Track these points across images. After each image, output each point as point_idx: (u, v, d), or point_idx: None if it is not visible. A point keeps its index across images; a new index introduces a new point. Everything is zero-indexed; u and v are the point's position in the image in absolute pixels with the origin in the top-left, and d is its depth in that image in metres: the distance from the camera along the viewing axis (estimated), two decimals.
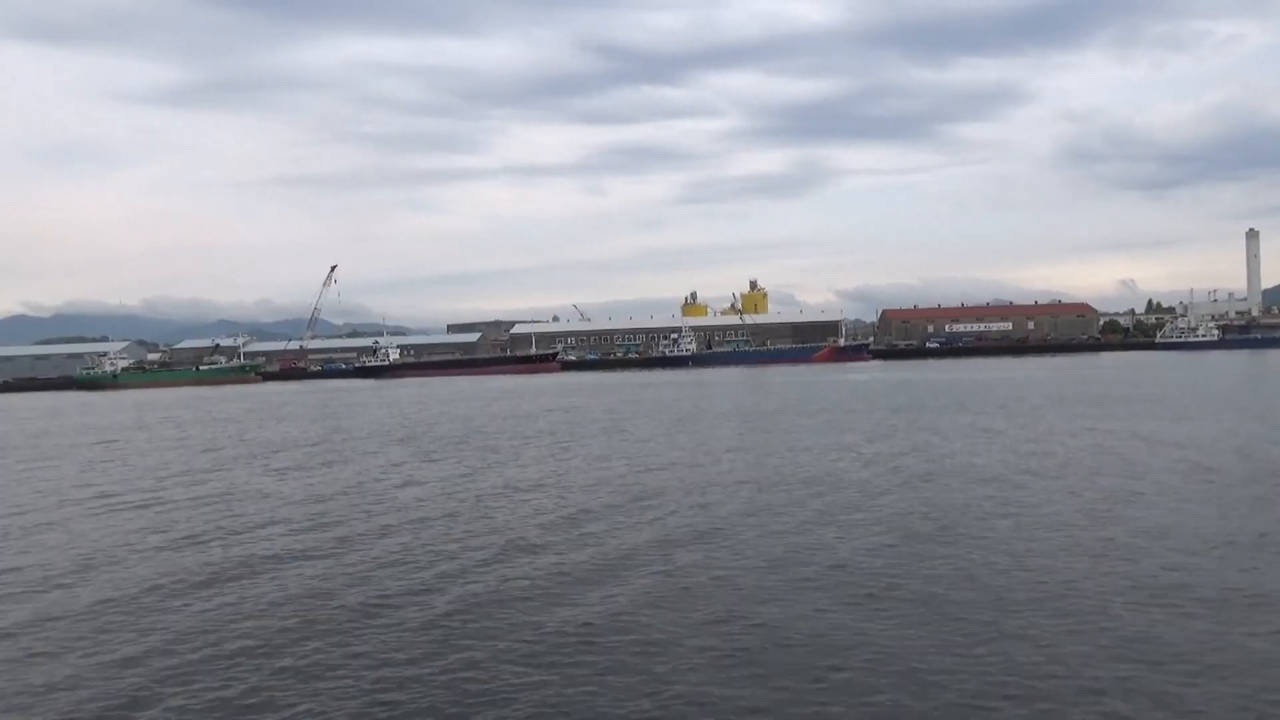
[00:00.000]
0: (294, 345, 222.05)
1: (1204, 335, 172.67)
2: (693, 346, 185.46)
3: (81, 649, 12.54)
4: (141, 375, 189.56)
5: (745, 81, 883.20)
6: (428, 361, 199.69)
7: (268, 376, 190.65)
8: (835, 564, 15.54)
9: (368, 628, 13.00)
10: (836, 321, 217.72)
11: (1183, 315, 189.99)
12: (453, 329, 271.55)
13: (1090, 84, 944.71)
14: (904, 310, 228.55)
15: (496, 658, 11.65)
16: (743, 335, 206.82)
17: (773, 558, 16.13)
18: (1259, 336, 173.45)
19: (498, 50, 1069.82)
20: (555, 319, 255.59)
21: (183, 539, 19.78)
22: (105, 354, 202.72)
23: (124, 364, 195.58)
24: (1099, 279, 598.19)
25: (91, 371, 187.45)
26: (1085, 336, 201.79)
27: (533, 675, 11.03)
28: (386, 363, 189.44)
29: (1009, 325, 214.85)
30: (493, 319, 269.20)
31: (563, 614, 13.26)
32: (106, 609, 14.38)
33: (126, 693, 10.96)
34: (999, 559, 15.46)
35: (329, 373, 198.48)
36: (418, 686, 10.84)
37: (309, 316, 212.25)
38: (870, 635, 11.94)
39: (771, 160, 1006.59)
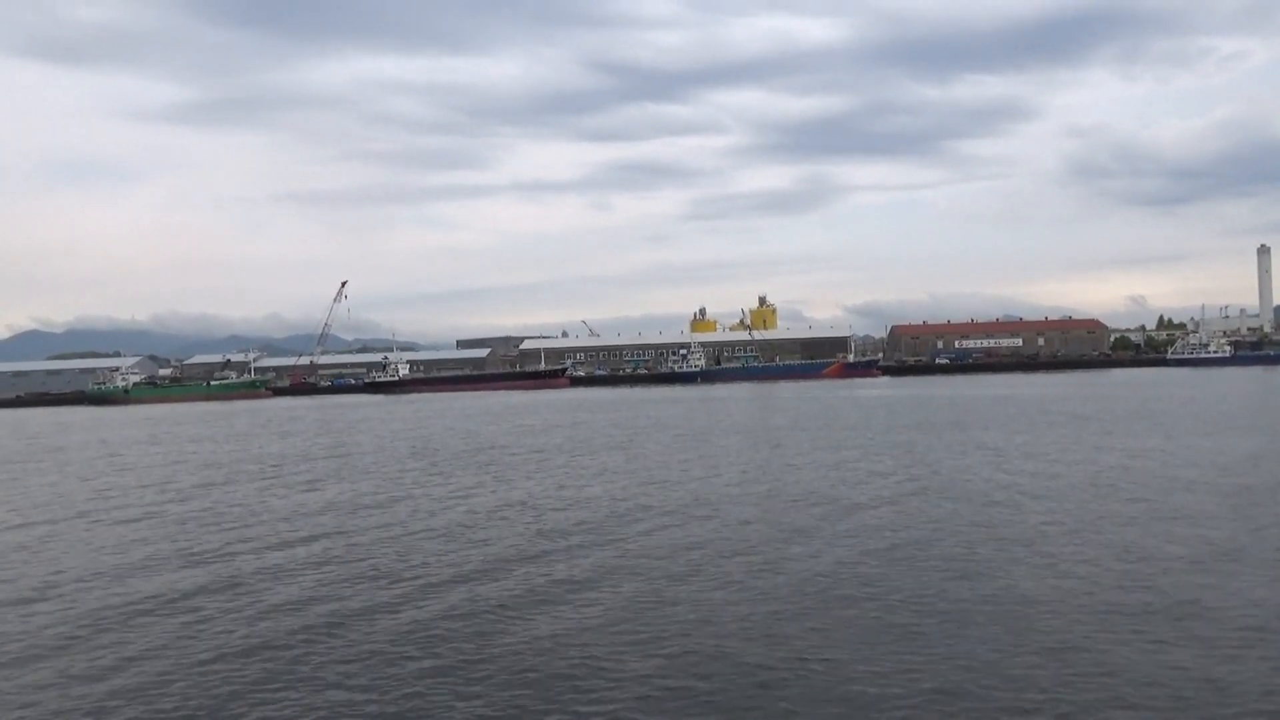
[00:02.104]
0: (304, 361, 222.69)
1: (1216, 351, 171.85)
2: (701, 362, 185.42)
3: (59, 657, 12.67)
4: (153, 390, 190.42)
5: (749, 99, 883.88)
6: (437, 377, 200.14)
7: (278, 392, 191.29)
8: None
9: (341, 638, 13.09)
10: (845, 337, 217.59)
11: (1194, 331, 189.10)
12: (462, 344, 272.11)
13: (1095, 100, 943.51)
14: (913, 326, 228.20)
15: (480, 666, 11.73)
16: (751, 351, 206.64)
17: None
18: (1271, 353, 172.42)
19: (503, 69, 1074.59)
20: (564, 334, 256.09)
21: (179, 551, 19.92)
22: (117, 369, 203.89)
23: (135, 379, 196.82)
24: (1109, 295, 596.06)
25: (103, 387, 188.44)
26: (1096, 353, 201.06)
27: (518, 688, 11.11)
28: (396, 378, 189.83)
29: (1019, 341, 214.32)
30: (502, 335, 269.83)
31: (551, 627, 13.33)
32: (96, 618, 14.51)
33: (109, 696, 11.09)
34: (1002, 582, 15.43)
35: (339, 388, 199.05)
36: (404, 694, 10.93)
37: (319, 332, 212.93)
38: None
39: (778, 176, 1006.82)
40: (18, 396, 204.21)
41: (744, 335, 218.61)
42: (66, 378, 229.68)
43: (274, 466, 39.23)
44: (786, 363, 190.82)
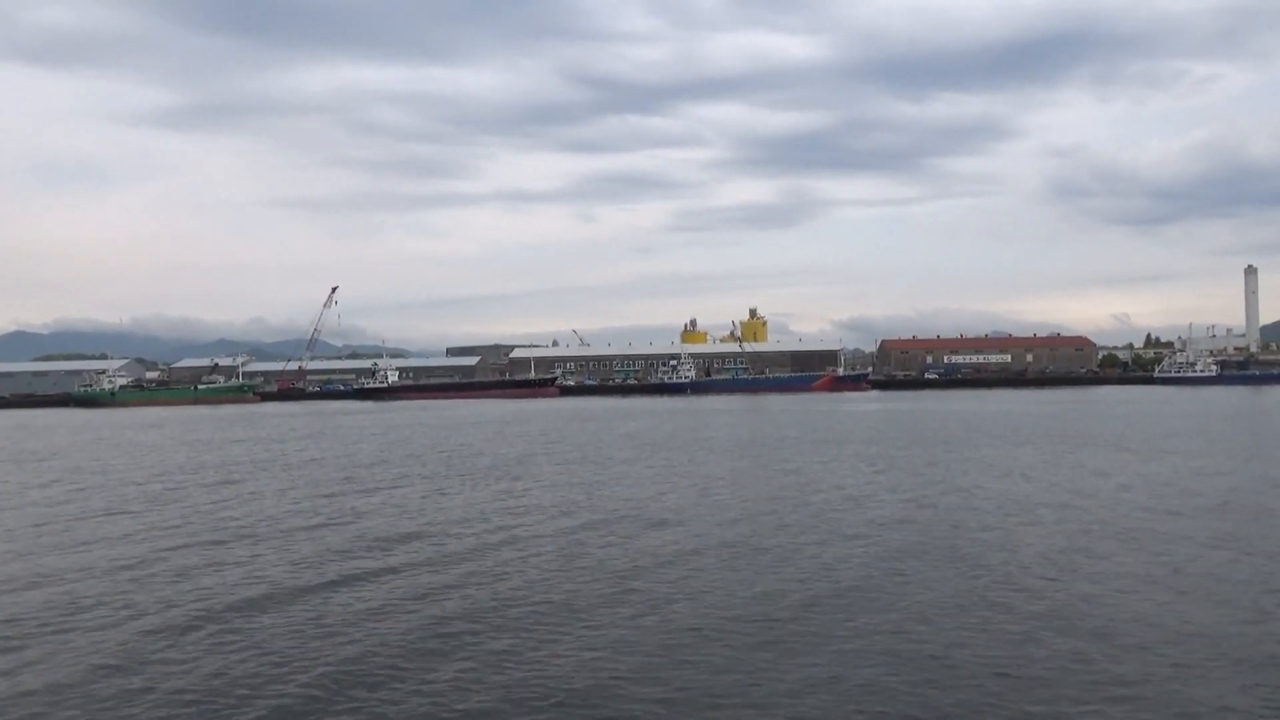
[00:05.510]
0: (293, 366, 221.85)
1: (1202, 371, 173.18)
2: (691, 374, 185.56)
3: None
4: (139, 394, 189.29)
5: (730, 113, 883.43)
6: (426, 384, 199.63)
7: (266, 397, 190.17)
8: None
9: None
10: (835, 351, 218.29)
11: (1181, 350, 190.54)
12: (452, 352, 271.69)
13: (1073, 121, 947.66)
14: (903, 340, 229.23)
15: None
16: (741, 363, 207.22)
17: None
18: (1257, 373, 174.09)
19: (485, 79, 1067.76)
20: (554, 344, 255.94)
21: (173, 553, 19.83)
22: (104, 372, 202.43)
23: (122, 382, 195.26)
24: (1093, 312, 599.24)
25: (90, 389, 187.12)
26: (1084, 370, 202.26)
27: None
28: (385, 385, 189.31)
29: (1008, 357, 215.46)
30: (492, 343, 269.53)
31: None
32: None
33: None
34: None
35: (327, 393, 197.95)
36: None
37: (308, 337, 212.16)
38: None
39: (760, 190, 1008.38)
40: (3, 398, 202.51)
41: (734, 347, 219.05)
42: (52, 379, 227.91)
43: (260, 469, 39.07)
44: (776, 375, 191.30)
